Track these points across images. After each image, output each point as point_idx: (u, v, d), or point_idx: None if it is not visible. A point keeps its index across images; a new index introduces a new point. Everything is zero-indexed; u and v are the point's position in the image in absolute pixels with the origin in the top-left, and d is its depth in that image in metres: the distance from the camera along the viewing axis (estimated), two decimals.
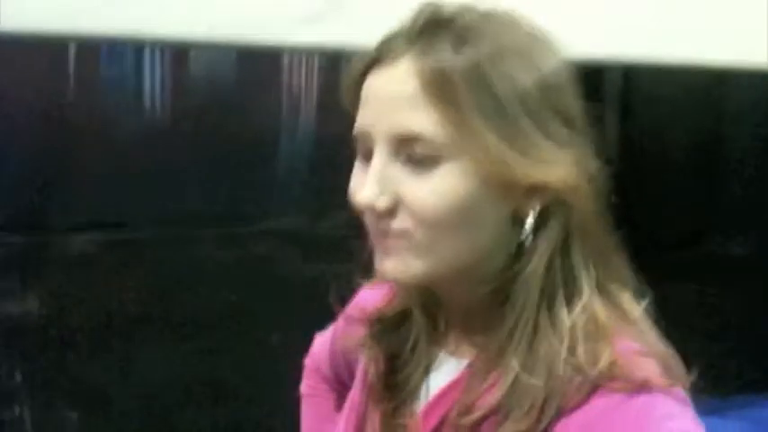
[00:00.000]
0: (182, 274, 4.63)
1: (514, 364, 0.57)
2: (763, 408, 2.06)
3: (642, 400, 0.55)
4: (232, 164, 6.08)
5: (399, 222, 0.58)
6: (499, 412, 0.57)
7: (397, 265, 0.59)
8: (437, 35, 0.57)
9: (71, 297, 4.03)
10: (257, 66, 6.26)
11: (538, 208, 0.59)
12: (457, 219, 0.57)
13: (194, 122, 6.10)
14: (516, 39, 0.59)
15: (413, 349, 0.65)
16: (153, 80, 5.92)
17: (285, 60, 6.02)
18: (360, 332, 0.70)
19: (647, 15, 1.75)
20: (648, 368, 0.56)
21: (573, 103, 0.60)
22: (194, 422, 2.77)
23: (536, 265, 0.58)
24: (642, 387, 0.55)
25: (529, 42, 0.59)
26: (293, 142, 6.36)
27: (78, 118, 5.74)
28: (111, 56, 5.81)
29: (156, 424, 2.75)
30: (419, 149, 0.57)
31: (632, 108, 5.19)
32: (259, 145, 6.33)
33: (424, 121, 0.56)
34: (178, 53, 5.80)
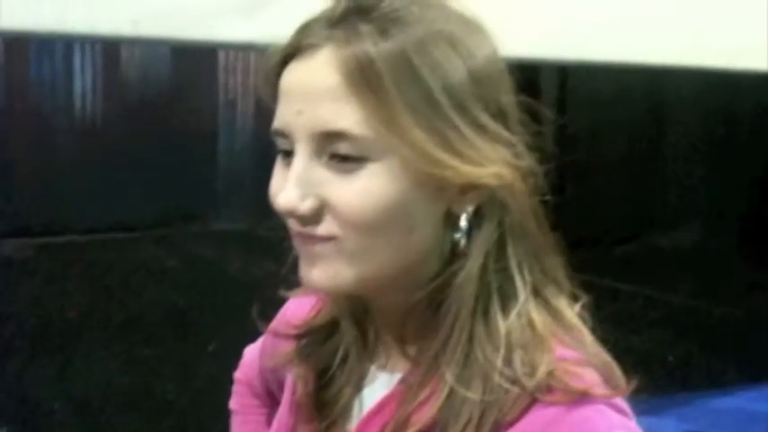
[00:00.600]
0: (120, 278, 4.52)
1: (449, 377, 0.54)
2: (698, 406, 2.08)
3: (582, 412, 0.52)
4: (170, 164, 5.97)
5: (325, 227, 0.54)
6: (435, 428, 0.54)
7: (325, 274, 0.55)
8: (360, 21, 0.53)
9: (3, 305, 3.88)
10: (194, 63, 6.15)
11: (471, 208, 0.55)
12: (387, 221, 0.53)
13: (130, 122, 5.95)
14: (447, 25, 0.55)
15: (343, 363, 0.61)
16: (86, 78, 5.75)
17: (221, 57, 5.90)
18: (287, 347, 0.65)
19: (583, 15, 1.76)
20: (588, 378, 0.54)
21: (506, 95, 0.56)
22: (131, 429, 2.69)
23: (470, 267, 0.55)
24: (582, 398, 0.53)
25: (460, 29, 0.55)
26: (233, 141, 6.25)
27: (7, 118, 5.52)
28: (40, 53, 5.62)
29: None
30: (343, 148, 0.53)
31: (570, 107, 5.27)
32: (198, 144, 6.21)
33: (347, 116, 0.52)
34: (111, 50, 5.64)
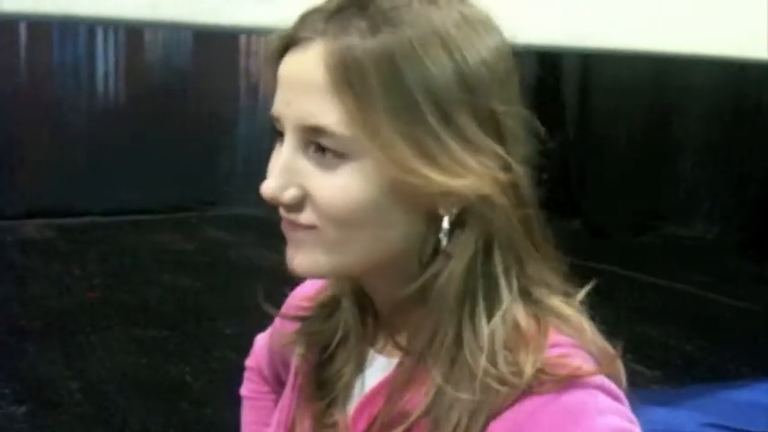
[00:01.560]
0: (138, 260, 4.54)
1: (436, 375, 0.55)
2: (714, 398, 2.08)
3: (572, 396, 0.52)
4: (190, 148, 5.98)
5: (307, 216, 0.55)
6: (428, 416, 0.55)
7: (305, 260, 0.56)
8: (355, 15, 0.53)
9: (22, 285, 3.92)
10: (215, 48, 6.14)
11: (455, 211, 0.55)
12: (365, 217, 0.54)
13: (151, 106, 5.98)
14: (444, 24, 0.53)
15: (343, 342, 0.62)
16: (108, 62, 5.77)
17: (242, 42, 5.89)
18: (293, 329, 0.66)
19: (604, 4, 1.74)
20: (579, 363, 0.54)
21: (500, 101, 0.55)
22: (147, 412, 2.72)
23: (453, 269, 0.55)
24: (571, 382, 0.52)
25: (459, 30, 0.53)
26: (251, 126, 6.26)
27: (30, 101, 5.57)
28: (62, 36, 5.65)
29: (105, 414, 2.70)
30: (325, 142, 0.53)
31: (590, 95, 5.20)
32: (218, 129, 6.23)
33: (329, 113, 0.53)
34: (133, 34, 5.66)
